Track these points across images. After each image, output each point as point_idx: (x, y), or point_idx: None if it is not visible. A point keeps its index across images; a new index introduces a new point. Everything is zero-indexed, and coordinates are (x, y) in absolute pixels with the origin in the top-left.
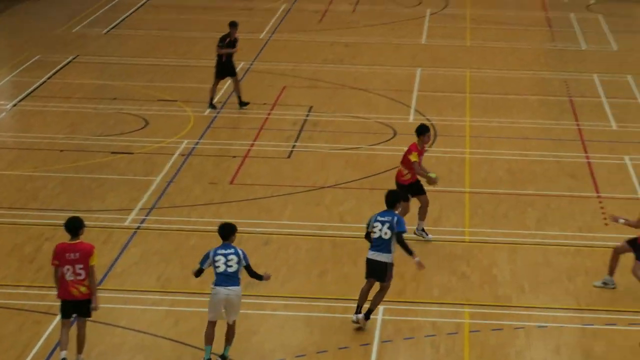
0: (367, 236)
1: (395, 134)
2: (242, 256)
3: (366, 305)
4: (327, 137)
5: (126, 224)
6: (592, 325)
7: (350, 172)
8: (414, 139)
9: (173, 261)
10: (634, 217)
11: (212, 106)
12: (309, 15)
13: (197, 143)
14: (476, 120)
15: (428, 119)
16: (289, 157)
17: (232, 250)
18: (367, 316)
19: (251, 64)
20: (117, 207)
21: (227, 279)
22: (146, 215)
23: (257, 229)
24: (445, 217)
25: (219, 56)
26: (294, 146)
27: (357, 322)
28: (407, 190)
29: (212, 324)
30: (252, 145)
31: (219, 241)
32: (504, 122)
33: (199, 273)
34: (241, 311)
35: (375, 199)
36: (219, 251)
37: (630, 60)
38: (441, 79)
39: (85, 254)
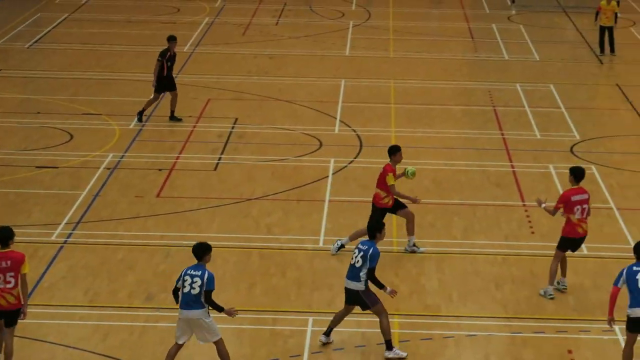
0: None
1: (321, 145)
2: (205, 281)
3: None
4: (253, 148)
5: (52, 238)
6: (521, 333)
7: (277, 183)
8: (338, 149)
9: (100, 275)
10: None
11: (139, 119)
12: (232, 28)
13: (122, 156)
14: (401, 130)
15: (354, 130)
16: (215, 169)
17: (199, 273)
18: (389, 347)
19: (175, 77)
20: (43, 222)
21: (189, 301)
22: (73, 230)
23: (185, 242)
24: None
25: (160, 70)
26: (220, 158)
27: (324, 343)
28: (386, 213)
29: (175, 345)
30: (178, 158)
31: (145, 255)
32: (428, 132)
33: (174, 292)
34: (170, 324)
35: (302, 210)
36: (189, 271)
37: (551, 70)
38: (365, 90)
39: (17, 262)
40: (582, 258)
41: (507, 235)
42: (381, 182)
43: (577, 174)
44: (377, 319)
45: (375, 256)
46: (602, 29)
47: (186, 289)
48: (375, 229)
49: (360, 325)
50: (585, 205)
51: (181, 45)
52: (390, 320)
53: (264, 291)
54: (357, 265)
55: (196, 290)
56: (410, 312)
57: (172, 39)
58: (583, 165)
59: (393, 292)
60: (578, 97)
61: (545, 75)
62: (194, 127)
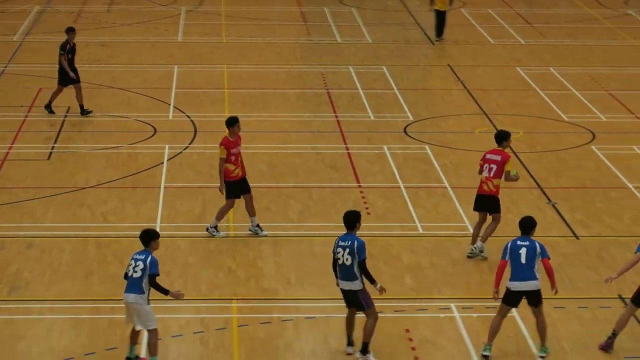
0: (334, 264)
1: (155, 131)
2: (147, 264)
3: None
4: (87, 137)
5: None
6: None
7: (112, 171)
8: (172, 135)
9: None
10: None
11: (49, 111)
12: (63, 16)
13: None
14: (235, 115)
15: (188, 116)
16: (48, 158)
17: (142, 257)
18: (364, 351)
19: (5, 67)
20: None
21: (129, 283)
22: None
23: (20, 233)
24: (209, 212)
25: (61, 63)
26: (53, 148)
27: (351, 353)
28: (236, 186)
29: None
30: (10, 148)
31: None
32: (263, 116)
33: (125, 276)
34: (5, 317)
35: (138, 197)
36: (135, 255)
37: (384, 52)
38: (199, 76)
39: None
40: (418, 237)
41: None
42: (228, 156)
43: (495, 136)
44: (215, 304)
45: (362, 247)
46: (438, 13)
47: (130, 273)
48: (355, 219)
49: (199, 311)
50: (492, 165)
51: (10, 35)
52: (228, 305)
53: (102, 280)
54: (348, 263)
55: (138, 274)
56: (248, 297)
57: (70, 31)
58: (416, 145)
59: (383, 290)
60: (411, 78)
61: (378, 57)
62: (26, 116)
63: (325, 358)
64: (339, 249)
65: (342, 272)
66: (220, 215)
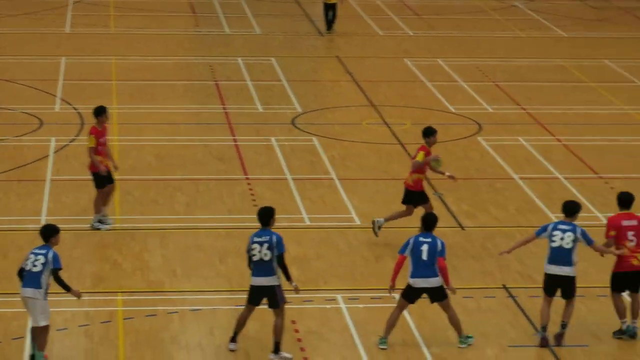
0: (250, 262)
1: (41, 124)
2: (50, 259)
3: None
4: None
5: None
6: (243, 306)
7: None
8: (59, 128)
9: None
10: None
11: None
12: None
13: None
14: (123, 107)
15: (75, 108)
16: None
17: (43, 252)
18: (276, 350)
19: None
20: None
21: (27, 278)
22: None
23: None
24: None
25: None
26: None
27: (234, 350)
28: (103, 176)
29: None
30: None
31: None
32: (151, 107)
33: (19, 272)
34: None
35: (23, 190)
36: (34, 250)
37: (273, 44)
38: (87, 67)
39: None
40: (305, 229)
41: (230, 209)
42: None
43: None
44: (101, 298)
45: (281, 240)
46: (327, 6)
47: (28, 267)
48: (269, 214)
49: (84, 304)
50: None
51: None
52: (113, 298)
53: None
54: (267, 258)
55: (37, 268)
56: (133, 289)
57: None
58: (304, 137)
59: (297, 289)
60: (299, 70)
61: (266, 49)
62: None
63: (211, 350)
64: (255, 245)
65: (258, 268)
66: (97, 208)
